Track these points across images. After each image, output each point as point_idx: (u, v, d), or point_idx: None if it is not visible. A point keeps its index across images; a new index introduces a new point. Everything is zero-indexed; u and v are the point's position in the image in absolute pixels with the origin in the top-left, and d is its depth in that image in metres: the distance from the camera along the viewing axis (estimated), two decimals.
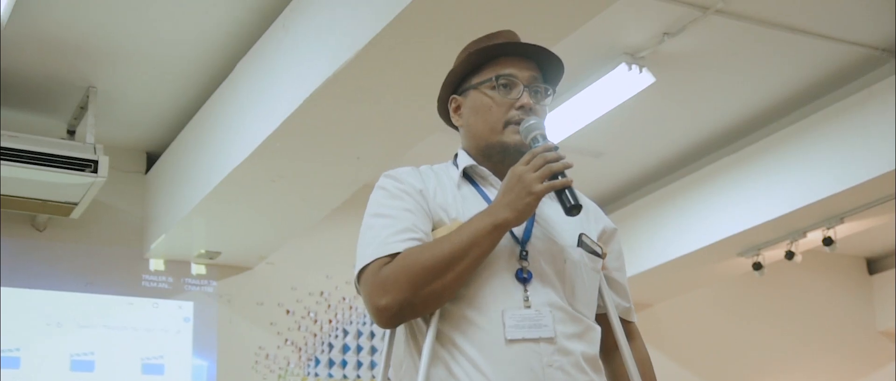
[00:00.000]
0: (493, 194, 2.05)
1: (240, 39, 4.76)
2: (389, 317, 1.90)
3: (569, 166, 1.91)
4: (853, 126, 5.46)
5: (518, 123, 2.05)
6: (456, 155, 2.17)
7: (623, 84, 5.16)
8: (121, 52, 4.86)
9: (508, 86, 2.08)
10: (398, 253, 1.91)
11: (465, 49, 2.17)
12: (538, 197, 1.89)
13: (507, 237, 1.95)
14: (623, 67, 5.07)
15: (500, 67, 2.09)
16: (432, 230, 1.98)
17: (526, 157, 1.92)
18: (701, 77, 5.44)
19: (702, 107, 5.83)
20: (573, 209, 1.91)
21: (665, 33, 4.91)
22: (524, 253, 1.98)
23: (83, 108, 5.20)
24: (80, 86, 5.13)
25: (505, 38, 2.15)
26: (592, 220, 2.14)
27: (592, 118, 5.48)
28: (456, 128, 2.20)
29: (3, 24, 4.31)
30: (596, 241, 2.08)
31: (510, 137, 2.06)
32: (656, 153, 6.45)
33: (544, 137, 1.99)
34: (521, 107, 2.06)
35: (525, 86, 2.08)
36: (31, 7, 4.39)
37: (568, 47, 4.38)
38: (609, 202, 7.00)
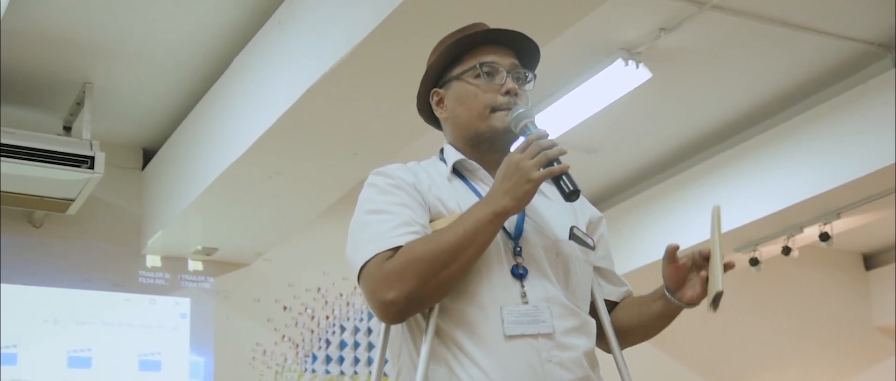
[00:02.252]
0: (482, 188, 2.06)
1: (236, 36, 4.76)
2: (397, 311, 1.89)
3: (564, 153, 1.90)
4: (850, 122, 5.46)
5: (505, 108, 2.05)
6: (441, 150, 2.16)
7: (619, 80, 5.16)
8: (117, 49, 4.86)
9: (491, 73, 2.08)
10: (400, 247, 1.90)
11: (440, 43, 2.17)
12: (537, 184, 1.88)
13: (499, 233, 1.94)
14: (619, 62, 5.07)
15: (480, 55, 2.10)
16: (431, 222, 1.98)
17: (521, 145, 1.92)
18: (698, 72, 5.44)
19: (698, 102, 5.83)
20: (572, 194, 1.91)
21: (661, 29, 4.91)
22: (518, 249, 1.98)
23: (79, 104, 5.19)
24: (77, 82, 5.13)
25: (478, 30, 2.15)
26: (580, 211, 2.14)
27: (589, 114, 5.48)
28: (435, 123, 2.20)
29: None
30: (585, 232, 2.10)
31: (499, 121, 2.06)
32: (653, 149, 6.45)
33: (534, 125, 2.00)
34: (507, 92, 2.06)
35: (508, 72, 2.08)
36: (27, 3, 4.39)
37: (564, 43, 4.39)
38: (605, 198, 7.01)
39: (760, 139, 5.97)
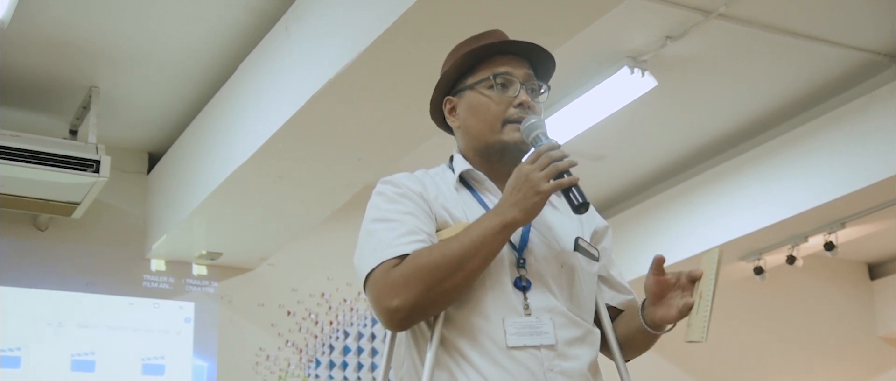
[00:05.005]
0: (488, 198, 2.06)
1: (242, 41, 4.77)
2: (401, 318, 1.89)
3: (574, 164, 1.90)
4: (855, 131, 5.45)
5: (517, 121, 2.04)
6: (451, 158, 2.16)
7: (625, 88, 5.16)
8: (123, 53, 4.87)
9: (505, 84, 2.07)
10: (406, 255, 1.90)
11: (456, 50, 2.17)
12: (546, 196, 1.88)
13: (504, 245, 1.94)
14: (625, 70, 5.07)
15: (495, 66, 2.09)
16: (437, 231, 1.98)
17: (531, 156, 1.92)
18: (703, 81, 5.44)
19: (704, 111, 5.83)
20: (581, 207, 1.91)
21: (667, 37, 4.91)
22: (522, 261, 1.98)
23: (85, 108, 5.20)
24: (83, 86, 5.14)
25: (494, 38, 2.14)
26: (586, 220, 2.14)
27: (594, 121, 5.48)
28: (449, 130, 2.20)
29: (6, 23, 4.32)
30: (590, 242, 2.09)
31: (510, 135, 2.05)
32: (658, 157, 6.45)
33: (546, 136, 1.99)
34: (520, 105, 2.05)
35: (522, 83, 2.08)
36: (33, 7, 4.40)
37: (570, 51, 4.39)
38: (611, 206, 7.00)
39: (765, 148, 5.96)
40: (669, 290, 1.96)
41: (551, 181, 1.88)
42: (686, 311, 1.91)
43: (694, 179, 6.45)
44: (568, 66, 5.05)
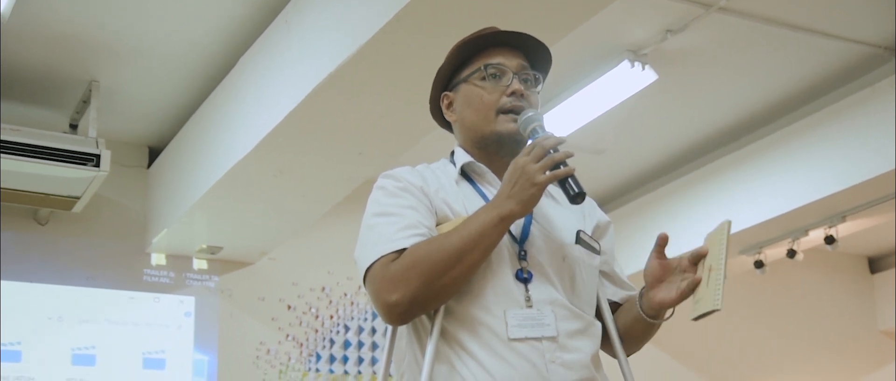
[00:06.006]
0: (490, 191, 2.06)
1: (242, 35, 4.76)
2: (400, 313, 1.89)
3: (570, 156, 1.90)
4: (855, 124, 5.45)
5: (511, 110, 2.05)
6: (452, 152, 2.16)
7: (625, 81, 5.16)
8: (123, 47, 4.87)
9: (498, 75, 2.08)
10: (406, 249, 1.90)
11: (454, 47, 2.17)
12: (542, 187, 1.88)
13: (505, 237, 1.94)
14: (625, 64, 5.07)
15: (487, 57, 2.09)
16: (437, 226, 1.98)
17: (527, 148, 1.92)
18: (703, 75, 5.44)
19: (704, 104, 5.83)
20: (578, 197, 1.91)
21: (668, 31, 4.91)
22: (523, 253, 1.98)
23: (86, 102, 5.20)
24: (83, 80, 5.14)
25: (490, 32, 2.14)
26: (587, 215, 2.14)
27: (595, 116, 5.48)
28: (449, 128, 2.20)
29: (6, 17, 4.32)
30: (592, 236, 2.09)
31: (504, 125, 2.05)
32: (658, 151, 6.44)
33: (543, 128, 1.99)
34: (513, 94, 2.05)
35: (514, 73, 2.08)
36: (34, 1, 4.39)
37: (570, 44, 4.39)
38: (611, 200, 7.00)
39: (766, 142, 5.96)
40: (671, 273, 1.96)
41: (547, 172, 1.88)
42: (689, 292, 1.91)
43: (694, 172, 6.44)
44: (568, 59, 5.05)
